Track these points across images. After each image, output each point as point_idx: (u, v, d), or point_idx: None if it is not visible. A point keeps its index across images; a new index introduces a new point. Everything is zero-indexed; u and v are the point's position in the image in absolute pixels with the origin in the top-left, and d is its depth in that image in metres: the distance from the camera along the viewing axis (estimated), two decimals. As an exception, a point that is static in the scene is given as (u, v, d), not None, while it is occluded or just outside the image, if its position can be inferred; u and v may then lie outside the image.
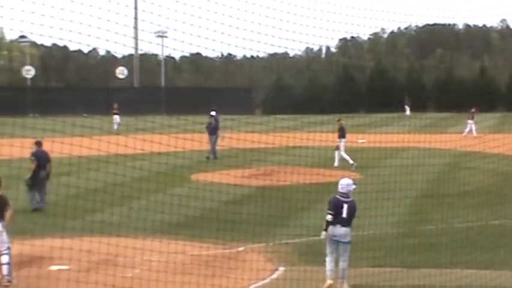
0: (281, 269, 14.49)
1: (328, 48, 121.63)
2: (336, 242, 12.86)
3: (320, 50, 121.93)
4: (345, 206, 12.89)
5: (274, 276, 14.05)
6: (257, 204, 19.57)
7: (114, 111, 56.93)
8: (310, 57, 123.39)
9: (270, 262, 15.02)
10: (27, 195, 20.69)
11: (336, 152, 31.71)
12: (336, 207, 12.85)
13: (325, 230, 12.87)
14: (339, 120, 33.08)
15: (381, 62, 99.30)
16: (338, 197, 13.02)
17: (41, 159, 20.99)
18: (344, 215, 12.85)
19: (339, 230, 12.84)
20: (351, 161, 30.98)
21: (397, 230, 17.73)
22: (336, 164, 31.38)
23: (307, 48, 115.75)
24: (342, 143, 31.78)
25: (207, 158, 34.65)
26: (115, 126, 52.29)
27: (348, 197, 13.02)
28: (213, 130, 35.91)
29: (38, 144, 21.11)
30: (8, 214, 13.31)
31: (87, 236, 14.52)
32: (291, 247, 16.08)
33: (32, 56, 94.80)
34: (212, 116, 36.84)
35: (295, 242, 16.05)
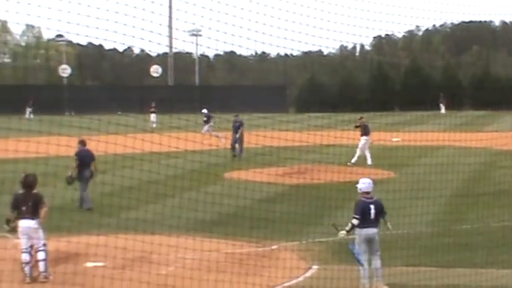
0: (314, 267, 14.47)
1: (362, 46, 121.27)
2: (367, 243, 12.81)
3: (354, 47, 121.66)
4: (372, 207, 12.85)
5: (308, 274, 14.04)
6: (290, 202, 19.55)
7: (151, 110, 57.37)
8: (344, 55, 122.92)
9: (304, 260, 15.00)
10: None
11: (366, 151, 31.59)
12: (364, 211, 12.79)
13: (348, 231, 12.85)
14: (360, 118, 32.89)
15: (415, 59, 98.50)
16: (363, 199, 12.96)
17: (85, 158, 20.76)
18: (372, 216, 12.82)
19: (370, 231, 12.81)
20: (353, 160, 30.70)
21: (432, 229, 17.59)
22: (369, 162, 31.21)
23: (342, 46, 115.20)
24: (363, 141, 31.58)
25: (236, 156, 34.93)
26: (151, 125, 52.68)
27: (372, 197, 12.99)
28: (237, 129, 36.11)
29: (82, 143, 20.90)
30: (43, 211, 13.49)
31: (122, 233, 14.61)
32: (324, 245, 16.03)
33: (68, 54, 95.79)
34: (236, 116, 37.13)
35: (329, 240, 16.01)
